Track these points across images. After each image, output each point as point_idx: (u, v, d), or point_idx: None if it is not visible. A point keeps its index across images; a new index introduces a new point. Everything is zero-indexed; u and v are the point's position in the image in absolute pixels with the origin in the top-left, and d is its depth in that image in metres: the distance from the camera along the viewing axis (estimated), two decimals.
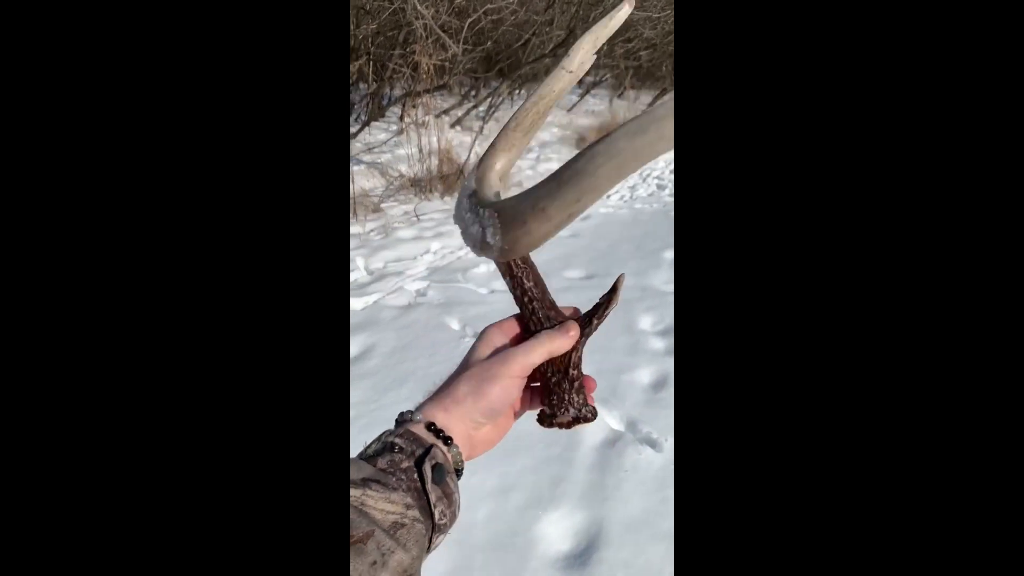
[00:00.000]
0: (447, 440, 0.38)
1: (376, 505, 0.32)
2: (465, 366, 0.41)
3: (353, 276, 2.42)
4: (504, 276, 0.41)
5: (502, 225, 0.35)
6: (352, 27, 3.05)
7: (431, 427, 0.38)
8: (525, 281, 0.41)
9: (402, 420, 0.39)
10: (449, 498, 0.36)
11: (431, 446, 0.37)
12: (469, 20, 3.26)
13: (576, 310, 0.43)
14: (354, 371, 1.67)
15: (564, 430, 0.41)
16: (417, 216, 3.15)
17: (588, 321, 0.41)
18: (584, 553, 1.09)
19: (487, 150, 0.40)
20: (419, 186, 3.52)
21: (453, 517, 0.37)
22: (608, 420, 1.45)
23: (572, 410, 0.41)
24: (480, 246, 0.37)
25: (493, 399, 0.39)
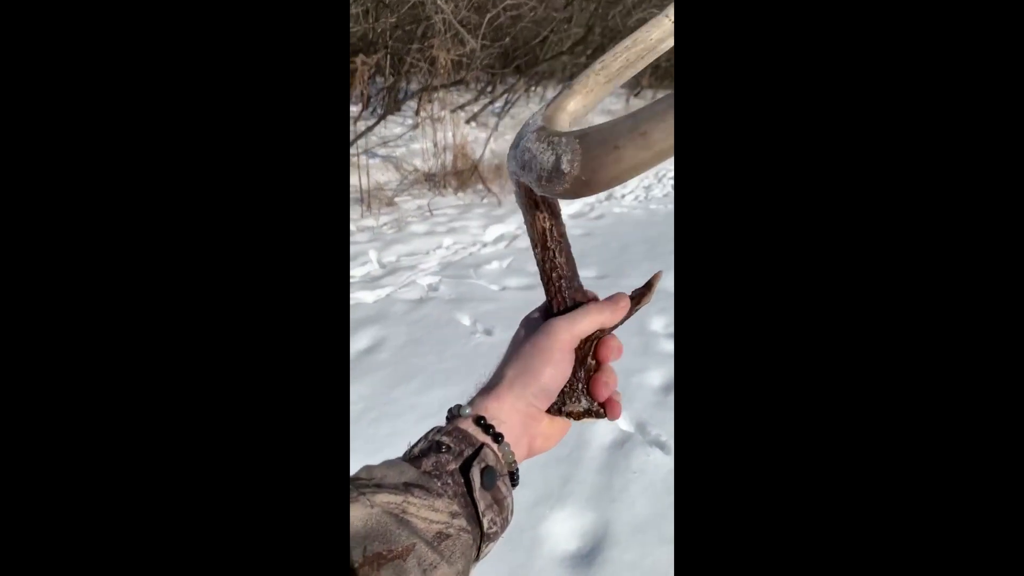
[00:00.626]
0: (497, 437, 0.34)
1: (419, 513, 0.29)
2: (510, 352, 0.39)
3: (366, 269, 2.43)
4: (535, 247, 0.39)
5: (583, 151, 0.30)
6: (371, 20, 3.06)
7: (480, 421, 0.35)
8: (557, 256, 0.38)
9: (452, 415, 0.36)
10: (500, 504, 0.33)
11: (481, 446, 0.34)
12: (488, 16, 3.26)
13: (597, 295, 0.41)
14: (364, 364, 1.68)
15: (572, 422, 0.38)
16: (431, 211, 3.16)
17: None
18: (591, 553, 1.09)
19: (562, 91, 0.35)
20: (433, 181, 3.52)
21: (505, 523, 0.33)
22: (617, 421, 1.45)
23: (584, 401, 0.38)
24: (548, 176, 0.31)
25: (545, 377, 0.36)
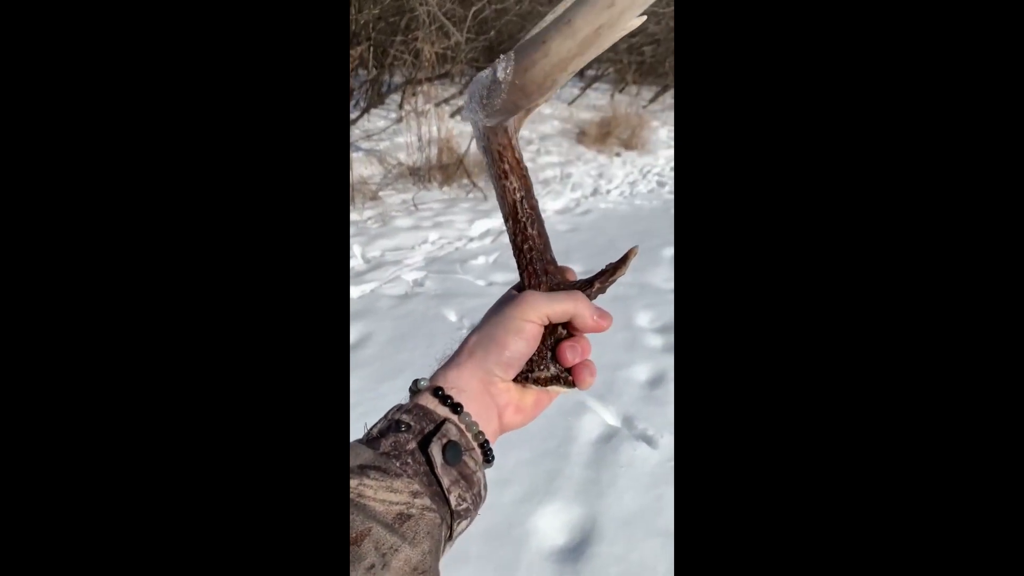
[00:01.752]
0: (456, 407, 0.33)
1: (376, 496, 0.28)
2: (479, 323, 0.37)
3: (350, 264, 2.40)
4: (506, 221, 0.38)
5: (516, 56, 0.30)
6: (353, 12, 3.01)
7: (438, 392, 0.33)
8: (529, 228, 0.38)
9: (413, 391, 0.35)
10: (468, 479, 0.31)
11: (443, 421, 0.32)
12: (473, 8, 3.23)
13: (572, 271, 0.40)
14: (351, 359, 1.66)
15: (541, 389, 0.37)
16: (416, 205, 3.13)
17: (589, 284, 0.38)
18: (578, 547, 1.09)
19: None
20: (418, 175, 3.49)
21: (477, 500, 0.32)
22: (604, 416, 1.45)
23: (553, 368, 0.37)
24: (488, 92, 0.31)
25: (508, 345, 0.34)
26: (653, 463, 1.29)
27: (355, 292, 2.12)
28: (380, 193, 3.24)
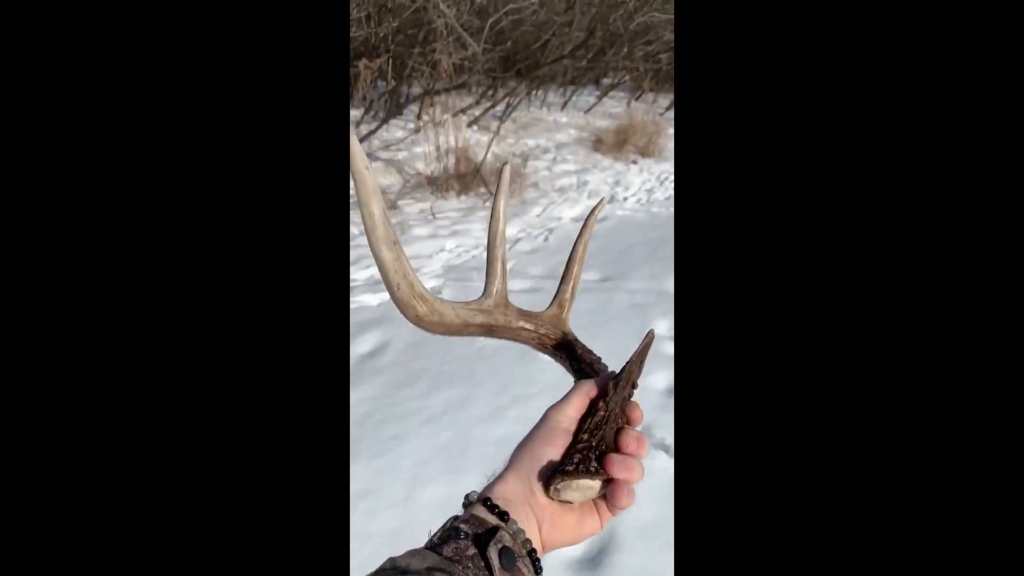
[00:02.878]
0: (503, 515, 0.36)
1: None
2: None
3: (369, 272, 2.43)
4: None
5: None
6: (373, 25, 3.07)
7: (487, 502, 0.36)
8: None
9: (466, 503, 0.38)
10: None
11: (495, 528, 0.35)
12: (490, 20, 3.27)
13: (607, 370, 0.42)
14: (369, 367, 1.68)
15: (564, 484, 0.37)
16: (433, 214, 3.17)
17: (611, 388, 0.39)
18: (597, 557, 1.09)
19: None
20: (436, 184, 3.53)
21: None
22: None
23: (572, 465, 0.37)
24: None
25: (539, 454, 0.38)
26: (671, 472, 1.28)
27: (374, 300, 2.15)
28: (399, 202, 3.28)
